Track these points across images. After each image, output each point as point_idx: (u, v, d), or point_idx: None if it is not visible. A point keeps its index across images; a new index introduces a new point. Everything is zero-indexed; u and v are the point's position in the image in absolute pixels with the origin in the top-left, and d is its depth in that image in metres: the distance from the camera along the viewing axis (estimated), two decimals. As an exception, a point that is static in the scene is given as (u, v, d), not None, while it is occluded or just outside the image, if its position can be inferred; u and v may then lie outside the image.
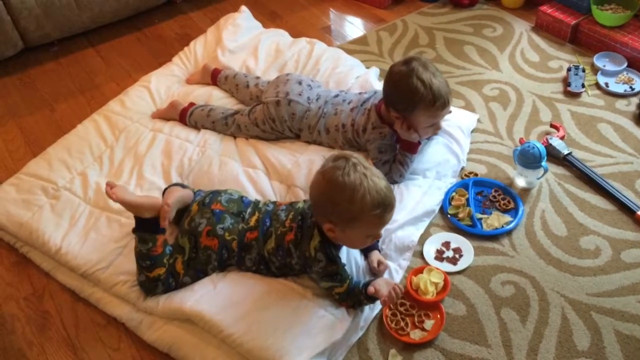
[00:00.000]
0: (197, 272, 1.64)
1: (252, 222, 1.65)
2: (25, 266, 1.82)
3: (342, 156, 1.46)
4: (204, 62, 2.43)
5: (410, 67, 1.77)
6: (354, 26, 2.86)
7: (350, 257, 1.66)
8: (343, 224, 1.45)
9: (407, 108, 1.79)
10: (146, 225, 1.58)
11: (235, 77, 2.27)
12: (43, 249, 1.78)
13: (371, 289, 1.52)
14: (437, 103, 1.76)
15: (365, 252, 1.72)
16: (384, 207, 1.43)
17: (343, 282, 1.55)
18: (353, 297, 1.56)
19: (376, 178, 1.44)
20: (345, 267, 1.58)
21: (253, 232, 1.63)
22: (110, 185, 1.57)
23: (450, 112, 1.89)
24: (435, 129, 1.88)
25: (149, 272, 1.59)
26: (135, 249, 1.60)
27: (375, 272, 1.68)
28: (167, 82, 2.37)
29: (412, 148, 1.89)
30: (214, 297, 1.59)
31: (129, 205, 1.57)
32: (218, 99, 2.26)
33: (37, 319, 1.70)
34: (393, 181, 1.90)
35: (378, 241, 1.74)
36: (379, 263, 1.68)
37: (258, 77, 2.27)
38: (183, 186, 1.75)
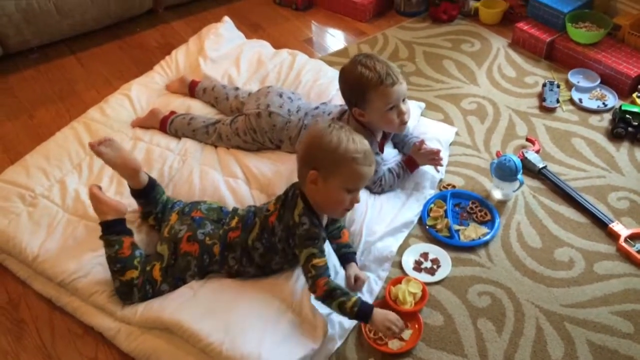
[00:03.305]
0: (175, 279, 1.64)
1: (234, 224, 1.67)
2: (1, 274, 1.80)
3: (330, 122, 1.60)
4: (186, 71, 2.43)
5: (353, 60, 1.82)
6: (335, 39, 2.90)
7: (330, 262, 1.64)
8: (326, 169, 1.51)
9: (360, 97, 1.79)
10: (110, 227, 1.64)
11: (214, 90, 2.27)
12: (20, 257, 1.76)
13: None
14: (386, 81, 1.75)
15: (344, 264, 1.72)
16: (365, 154, 1.53)
17: (323, 253, 1.56)
18: (331, 298, 1.50)
19: (358, 137, 1.56)
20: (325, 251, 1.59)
21: (235, 231, 1.66)
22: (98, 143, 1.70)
23: (406, 95, 1.83)
24: (400, 114, 1.81)
25: (121, 275, 1.60)
26: (105, 255, 1.63)
27: (351, 287, 1.67)
28: (148, 91, 2.37)
29: (413, 167, 1.97)
30: (192, 305, 1.58)
31: (96, 200, 1.66)
32: (199, 108, 2.26)
33: (13, 328, 1.67)
34: (381, 189, 1.94)
35: (355, 254, 1.76)
36: (356, 279, 1.68)
37: (237, 88, 2.28)
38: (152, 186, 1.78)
